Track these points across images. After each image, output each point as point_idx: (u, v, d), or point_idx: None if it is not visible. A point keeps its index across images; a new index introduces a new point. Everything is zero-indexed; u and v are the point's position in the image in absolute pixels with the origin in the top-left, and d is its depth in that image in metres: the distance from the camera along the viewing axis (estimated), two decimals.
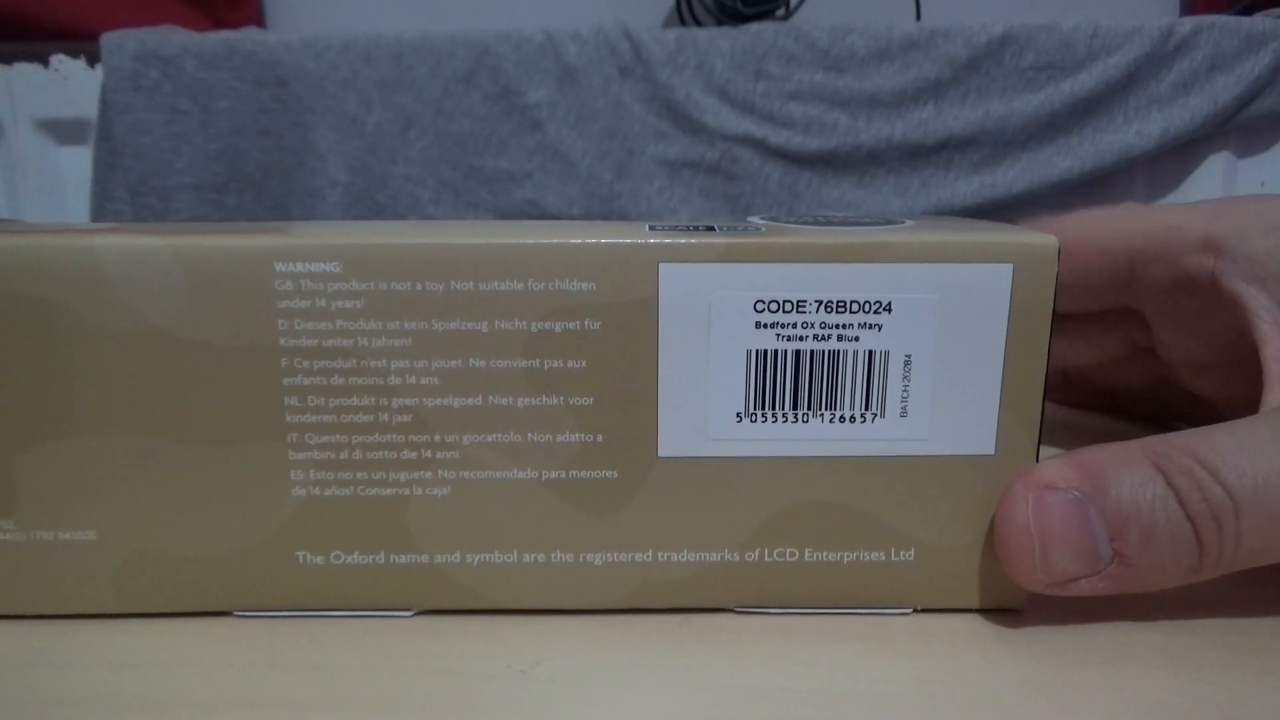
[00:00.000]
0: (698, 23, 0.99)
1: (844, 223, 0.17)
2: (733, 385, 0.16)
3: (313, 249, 0.15)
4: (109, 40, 0.89)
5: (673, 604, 0.17)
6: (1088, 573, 0.16)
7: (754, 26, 0.90)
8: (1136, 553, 0.16)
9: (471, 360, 0.16)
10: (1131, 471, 0.16)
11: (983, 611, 0.17)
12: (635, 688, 0.15)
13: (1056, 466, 0.16)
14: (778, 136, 0.90)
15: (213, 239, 0.15)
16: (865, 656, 0.16)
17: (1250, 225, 0.19)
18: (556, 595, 0.17)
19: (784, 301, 0.16)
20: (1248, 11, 0.92)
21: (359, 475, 0.16)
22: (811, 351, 0.16)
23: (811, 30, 0.89)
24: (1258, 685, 0.15)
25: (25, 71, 0.92)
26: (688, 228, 0.16)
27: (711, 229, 0.16)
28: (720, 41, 0.90)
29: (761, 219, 0.18)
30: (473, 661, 0.16)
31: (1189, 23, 0.88)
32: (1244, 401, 0.19)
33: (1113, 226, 0.21)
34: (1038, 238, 0.16)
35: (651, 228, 0.16)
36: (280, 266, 0.15)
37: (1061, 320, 0.24)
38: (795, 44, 0.89)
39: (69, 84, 0.92)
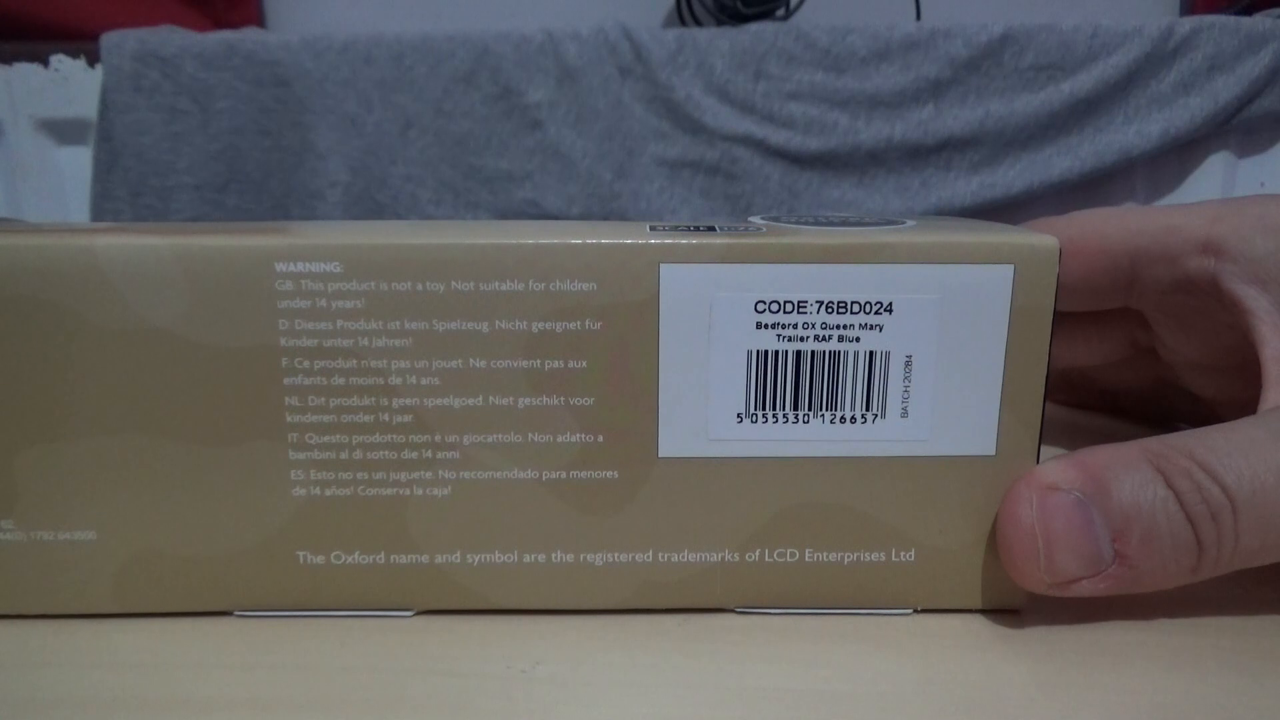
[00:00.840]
0: (698, 23, 0.99)
1: (844, 223, 0.17)
2: (733, 386, 0.16)
3: (313, 249, 0.15)
4: (109, 40, 0.89)
5: (673, 604, 0.17)
6: (1090, 573, 0.16)
7: (754, 26, 0.91)
8: (1137, 553, 0.16)
9: (472, 360, 0.16)
10: (1132, 473, 0.16)
11: (983, 612, 0.17)
12: (635, 688, 0.15)
13: (1058, 467, 0.16)
14: (778, 136, 0.90)
15: (213, 239, 0.15)
16: (865, 657, 0.16)
17: (1251, 227, 0.19)
18: (557, 596, 0.17)
19: (785, 302, 0.16)
20: (1248, 11, 0.92)
21: (359, 475, 0.16)
22: (812, 352, 0.16)
23: (811, 30, 0.89)
24: (1258, 685, 0.15)
25: (25, 71, 0.92)
26: (688, 228, 0.16)
27: (712, 229, 0.16)
28: (720, 41, 0.90)
29: (762, 219, 0.18)
30: (473, 662, 0.16)
31: (1189, 23, 0.88)
32: (1244, 402, 0.19)
33: (1114, 227, 0.21)
34: (1039, 239, 0.16)
35: (652, 228, 0.16)
36: (281, 266, 0.15)
37: (1062, 320, 0.24)
38: (795, 44, 0.89)
39: (69, 84, 0.92)
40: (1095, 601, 0.17)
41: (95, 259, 0.15)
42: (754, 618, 0.17)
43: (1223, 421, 0.16)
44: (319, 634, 0.17)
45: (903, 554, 0.17)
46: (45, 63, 0.92)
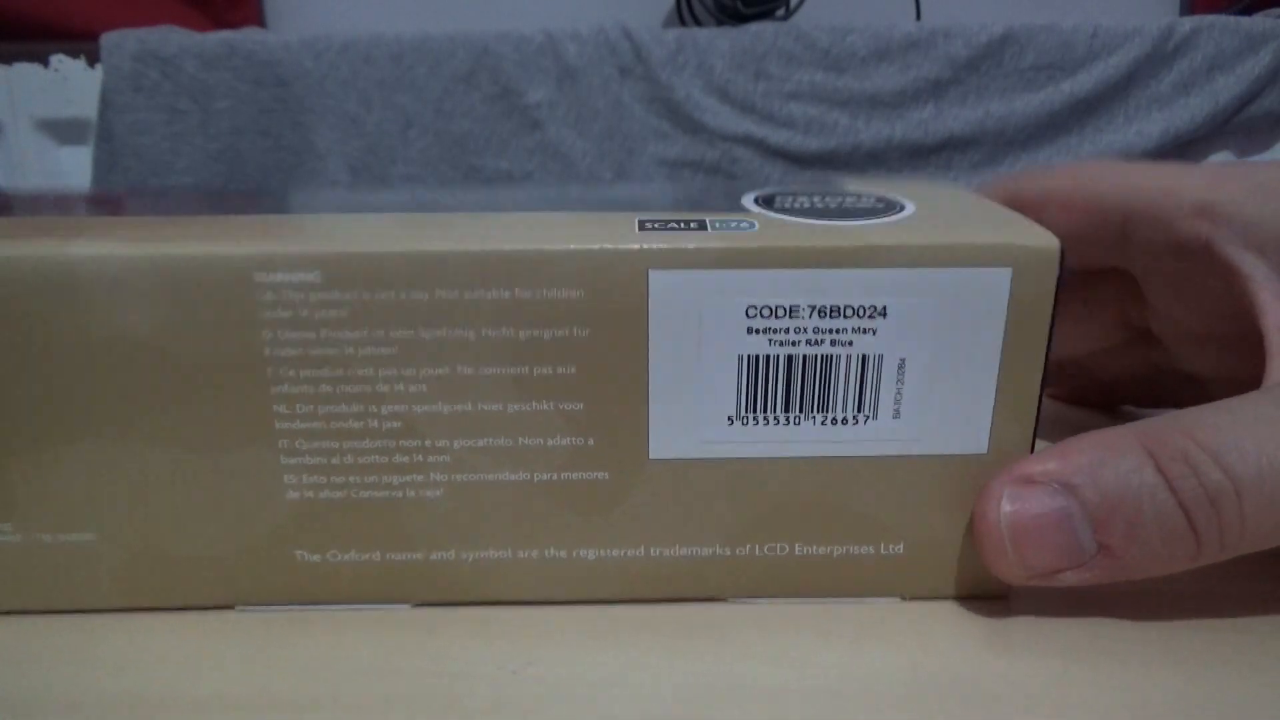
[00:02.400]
0: (698, 23, 0.99)
1: (840, 211, 0.17)
2: (724, 389, 0.16)
3: (292, 258, 0.15)
4: (109, 40, 0.89)
5: (666, 595, 0.17)
6: (1070, 565, 0.16)
7: (754, 26, 0.90)
8: (1123, 545, 0.15)
9: (459, 367, 0.16)
10: (1119, 460, 0.15)
11: (979, 607, 0.17)
12: (626, 687, 0.15)
13: (1041, 458, 0.16)
14: (778, 136, 0.90)
15: (191, 247, 0.15)
16: (859, 654, 0.16)
17: (1247, 191, 0.18)
18: (551, 589, 0.17)
19: (776, 307, 0.15)
20: (1248, 11, 0.92)
21: (351, 479, 0.16)
22: (804, 356, 0.16)
23: (811, 30, 0.89)
24: (1257, 684, 0.15)
25: (25, 71, 0.92)
26: (678, 224, 0.16)
27: (703, 225, 0.16)
28: (720, 41, 0.90)
29: (756, 197, 0.18)
30: (464, 662, 0.16)
31: (1189, 23, 0.88)
32: (1242, 380, 0.18)
33: (1109, 184, 0.20)
34: (1039, 239, 0.15)
35: (641, 223, 0.16)
36: (260, 276, 0.15)
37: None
38: (795, 44, 0.89)
39: (69, 84, 0.92)
40: (1091, 597, 0.17)
41: (70, 273, 0.15)
42: (746, 616, 0.17)
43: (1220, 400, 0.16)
44: (313, 635, 0.17)
45: (891, 547, 0.17)
46: (45, 63, 0.92)
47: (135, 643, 0.16)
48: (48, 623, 0.17)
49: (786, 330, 0.15)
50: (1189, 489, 0.15)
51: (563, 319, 0.15)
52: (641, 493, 0.16)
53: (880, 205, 0.17)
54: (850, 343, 0.16)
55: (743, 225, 0.16)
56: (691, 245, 0.15)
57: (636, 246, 0.15)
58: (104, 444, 0.16)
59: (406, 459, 0.16)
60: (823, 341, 0.16)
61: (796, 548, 0.17)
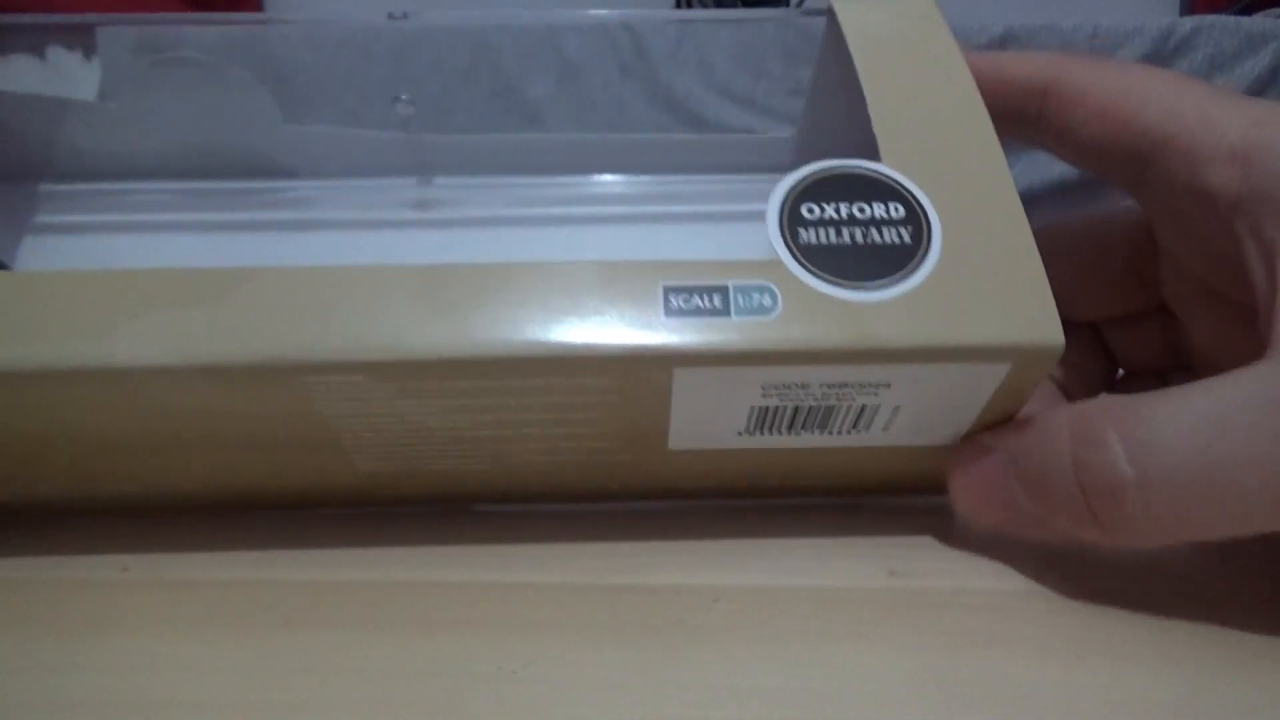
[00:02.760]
0: None
1: (867, 253, 0.16)
2: (735, 421, 0.18)
3: (338, 366, 0.16)
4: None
5: (682, 496, 0.21)
6: (1015, 521, 0.17)
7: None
8: (1047, 514, 0.17)
9: (500, 414, 0.17)
10: (1049, 441, 0.16)
11: (978, 608, 0.18)
12: (626, 689, 0.15)
13: (1000, 429, 0.18)
14: (779, 133, 0.90)
15: (236, 349, 0.15)
16: (859, 654, 0.16)
17: None
18: (588, 497, 0.21)
19: (791, 383, 0.16)
20: (1248, 11, 0.92)
21: (412, 462, 0.19)
22: (810, 406, 0.17)
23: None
24: (1257, 684, 0.15)
25: None
26: (703, 296, 0.16)
27: (725, 298, 0.16)
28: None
29: (782, 213, 0.17)
30: (463, 663, 0.16)
31: (1189, 23, 0.88)
32: (1245, 357, 0.16)
33: (1155, 103, 0.18)
34: (1044, 336, 0.15)
35: (666, 294, 0.16)
36: (309, 378, 0.16)
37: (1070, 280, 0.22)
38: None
39: None
40: (1091, 598, 0.17)
41: (119, 378, 0.15)
42: (746, 617, 0.17)
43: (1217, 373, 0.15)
44: (312, 639, 0.17)
45: (867, 481, 0.20)
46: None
47: (129, 648, 0.17)
48: (48, 629, 0.17)
49: (797, 395, 0.17)
50: (1092, 479, 0.15)
51: (593, 391, 0.17)
52: (661, 467, 0.19)
53: (908, 238, 0.17)
54: (853, 399, 0.17)
55: (765, 303, 0.16)
56: (715, 345, 0.16)
57: (663, 344, 0.16)
58: (184, 450, 0.18)
59: (459, 450, 0.18)
60: (829, 398, 0.17)
61: (788, 481, 0.20)
